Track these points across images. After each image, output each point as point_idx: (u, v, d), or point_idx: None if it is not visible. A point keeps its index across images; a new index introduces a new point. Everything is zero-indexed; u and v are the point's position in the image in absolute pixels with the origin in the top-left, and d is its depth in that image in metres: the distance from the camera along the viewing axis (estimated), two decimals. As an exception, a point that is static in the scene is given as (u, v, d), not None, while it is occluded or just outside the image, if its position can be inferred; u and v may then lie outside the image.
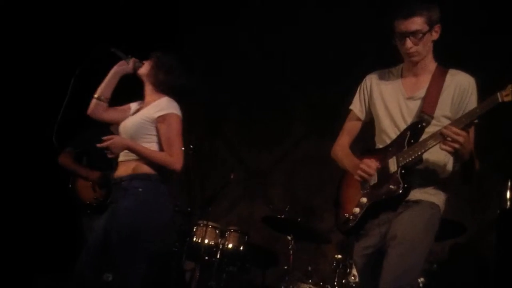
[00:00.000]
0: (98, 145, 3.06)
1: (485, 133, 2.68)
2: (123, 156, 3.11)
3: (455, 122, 2.40)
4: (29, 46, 4.90)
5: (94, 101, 3.22)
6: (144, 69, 3.25)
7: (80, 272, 2.96)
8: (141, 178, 3.03)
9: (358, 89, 2.84)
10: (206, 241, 4.51)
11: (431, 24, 2.54)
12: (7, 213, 4.74)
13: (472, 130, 2.55)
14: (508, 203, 3.90)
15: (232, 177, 4.64)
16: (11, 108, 4.81)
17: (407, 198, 2.52)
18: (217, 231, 4.59)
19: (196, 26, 6.39)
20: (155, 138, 3.10)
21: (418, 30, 2.53)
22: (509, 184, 3.95)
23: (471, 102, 2.53)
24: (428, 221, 2.51)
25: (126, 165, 3.07)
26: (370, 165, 2.59)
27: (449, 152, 2.39)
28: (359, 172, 2.60)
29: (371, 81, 2.79)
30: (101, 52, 3.21)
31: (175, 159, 3.04)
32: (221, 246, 4.50)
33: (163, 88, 3.20)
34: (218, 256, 4.47)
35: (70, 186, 4.33)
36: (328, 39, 5.53)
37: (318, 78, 5.59)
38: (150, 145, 3.09)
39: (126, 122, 3.20)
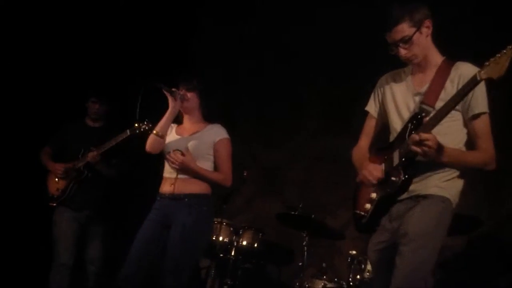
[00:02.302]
0: (168, 156, 3.43)
1: (503, 126, 2.65)
2: (181, 173, 3.49)
3: (430, 122, 2.43)
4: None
5: (153, 137, 3.55)
6: (191, 103, 3.63)
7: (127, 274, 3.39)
8: (203, 198, 3.52)
9: (373, 90, 2.89)
10: (221, 238, 4.52)
11: (416, 25, 2.55)
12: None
13: (484, 122, 2.53)
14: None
15: (245, 174, 4.64)
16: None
17: (417, 193, 2.53)
18: (232, 229, 4.60)
19: (208, 26, 6.41)
20: (212, 158, 3.61)
21: (405, 36, 2.55)
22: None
23: (477, 92, 2.49)
24: (438, 216, 2.50)
25: (186, 182, 3.49)
26: (372, 172, 2.63)
27: (424, 156, 2.40)
28: (361, 177, 2.68)
29: (384, 81, 2.85)
30: (147, 87, 3.47)
31: (228, 176, 3.61)
32: (235, 243, 4.50)
33: (209, 115, 3.71)
34: (233, 253, 4.48)
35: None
36: (341, 35, 5.50)
37: (332, 74, 5.56)
38: (208, 163, 3.59)
39: (182, 141, 3.57)
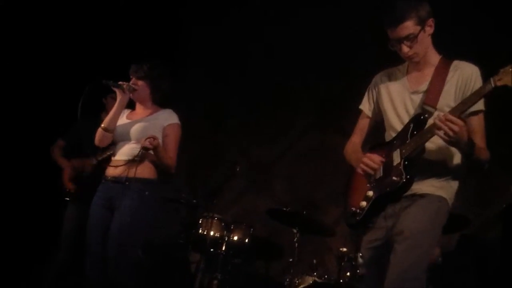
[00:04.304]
0: (144, 141, 3.34)
1: (493, 127, 2.68)
2: (125, 156, 3.44)
3: (451, 110, 2.40)
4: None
5: (101, 132, 3.51)
6: (142, 93, 3.58)
7: (92, 266, 3.36)
8: (146, 182, 3.43)
9: (367, 89, 2.88)
10: (212, 233, 4.49)
11: (422, 23, 2.54)
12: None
13: (481, 120, 2.56)
14: (515, 197, 3.91)
15: (238, 169, 4.64)
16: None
17: (414, 192, 2.54)
18: (223, 224, 4.58)
19: (197, 23, 6.38)
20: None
21: (411, 34, 2.54)
22: (516, 178, 3.96)
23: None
24: (434, 215, 2.52)
25: (130, 166, 3.41)
26: (373, 159, 2.61)
27: (445, 141, 2.38)
28: (362, 166, 2.63)
29: (379, 80, 2.84)
30: (94, 86, 3.42)
31: (174, 162, 3.52)
32: (226, 238, 4.48)
33: (162, 101, 3.64)
34: (223, 248, 4.46)
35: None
36: (331, 32, 5.52)
37: (321, 71, 5.58)
38: None
39: (131, 125, 3.52)
